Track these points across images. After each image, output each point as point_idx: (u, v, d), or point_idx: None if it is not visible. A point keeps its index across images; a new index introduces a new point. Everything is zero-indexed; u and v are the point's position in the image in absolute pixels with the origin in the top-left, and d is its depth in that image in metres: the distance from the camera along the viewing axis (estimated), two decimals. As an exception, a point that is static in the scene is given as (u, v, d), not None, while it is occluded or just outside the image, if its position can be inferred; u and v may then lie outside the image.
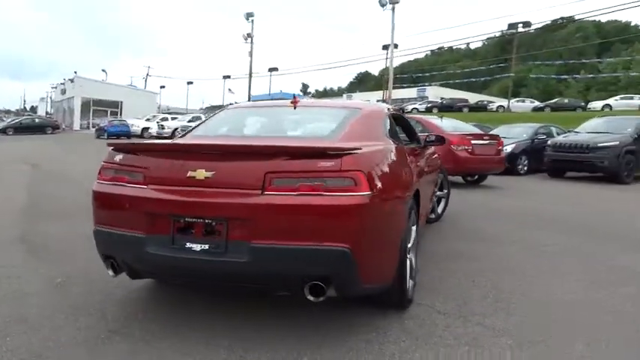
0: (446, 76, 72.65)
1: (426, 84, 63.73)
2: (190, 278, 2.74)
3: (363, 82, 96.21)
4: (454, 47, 75.91)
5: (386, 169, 2.77)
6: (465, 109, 37.15)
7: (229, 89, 64.17)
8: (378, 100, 43.55)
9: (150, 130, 32.22)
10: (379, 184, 2.53)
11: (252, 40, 44.44)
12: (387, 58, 46.43)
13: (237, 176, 2.50)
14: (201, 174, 2.49)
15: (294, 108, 3.59)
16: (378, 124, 3.44)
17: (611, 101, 33.84)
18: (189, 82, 70.36)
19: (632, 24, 67.08)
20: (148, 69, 78.01)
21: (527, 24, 39.77)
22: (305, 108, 3.81)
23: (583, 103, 35.98)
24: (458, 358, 2.55)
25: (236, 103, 5.34)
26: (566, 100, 37.70)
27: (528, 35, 54.75)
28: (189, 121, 30.86)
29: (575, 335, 2.83)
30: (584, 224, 6.33)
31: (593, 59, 58.92)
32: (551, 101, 38.21)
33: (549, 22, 52.98)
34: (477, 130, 11.11)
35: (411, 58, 76.68)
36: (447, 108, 36.00)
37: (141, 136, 32.29)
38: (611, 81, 53.41)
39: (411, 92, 56.41)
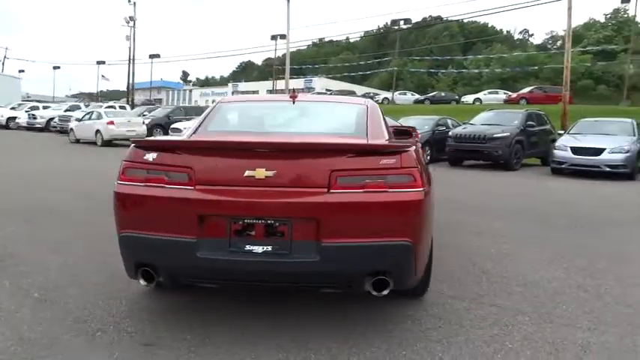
0: (328, 69, 74.80)
1: (312, 75, 65.07)
2: (249, 281, 2.65)
3: (246, 72, 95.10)
4: (334, 40, 78.51)
5: (422, 164, 2.91)
6: (355, 101, 38.47)
7: (102, 76, 59.37)
8: (276, 91, 43.53)
9: (18, 120, 28.66)
10: (426, 180, 2.66)
11: (134, 23, 41.62)
12: (275, 50, 46.57)
13: (300, 175, 2.47)
14: (261, 173, 2.41)
15: (293, 103, 3.54)
16: (382, 120, 3.55)
17: (480, 95, 37.66)
18: (56, 67, 63.85)
19: (490, 25, 74.77)
20: (5, 50, 69.12)
21: (407, 21, 42.50)
22: (313, 103, 3.78)
23: (457, 97, 39.51)
24: (502, 336, 2.81)
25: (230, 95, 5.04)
26: (442, 94, 41.13)
27: (403, 32, 58.51)
28: (66, 111, 28.03)
29: (574, 308, 3.24)
30: (507, 208, 7.12)
31: (460, 56, 64.86)
32: (430, 94, 41.43)
33: (420, 20, 57.32)
34: (395, 123, 11.69)
35: (294, 49, 77.70)
36: (338, 100, 36.91)
37: (6, 127, 28.60)
38: (475, 76, 59.21)
39: (298, 83, 57.17)
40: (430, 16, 65.16)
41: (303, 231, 2.41)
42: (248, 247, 2.42)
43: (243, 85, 66.20)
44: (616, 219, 6.48)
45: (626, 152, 10.85)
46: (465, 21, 69.12)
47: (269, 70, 63.24)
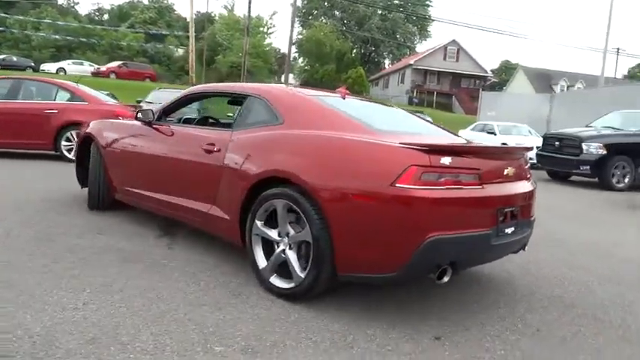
0: None
1: None
2: (494, 259, 3.11)
3: None
4: None
5: None
6: None
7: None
8: None
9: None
10: None
11: None
12: None
13: (520, 171, 3.08)
14: (511, 171, 2.93)
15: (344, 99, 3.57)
16: None
17: (64, 65, 34.58)
18: None
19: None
20: None
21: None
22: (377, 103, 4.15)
23: (32, 64, 34.82)
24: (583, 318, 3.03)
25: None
26: (14, 58, 35.12)
27: None
28: None
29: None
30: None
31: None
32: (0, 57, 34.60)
33: None
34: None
35: None
36: None
37: None
38: (22, 39, 52.88)
39: None
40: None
41: (523, 212, 3.01)
42: (506, 230, 2.82)
43: None
44: None
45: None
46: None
47: None
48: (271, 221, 2.96)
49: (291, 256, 2.81)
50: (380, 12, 52.20)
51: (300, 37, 50.10)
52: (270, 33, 50.57)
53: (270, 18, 53.74)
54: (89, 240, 3.74)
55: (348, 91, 3.70)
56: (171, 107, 4.09)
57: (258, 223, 2.97)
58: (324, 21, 52.01)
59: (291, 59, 59.51)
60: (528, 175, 3.24)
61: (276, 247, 2.92)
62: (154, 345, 2.23)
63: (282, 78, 52.80)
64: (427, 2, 53.16)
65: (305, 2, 55.05)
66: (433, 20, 52.94)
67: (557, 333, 2.74)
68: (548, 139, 11.17)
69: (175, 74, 51.46)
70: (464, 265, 2.78)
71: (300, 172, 2.73)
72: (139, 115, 4.01)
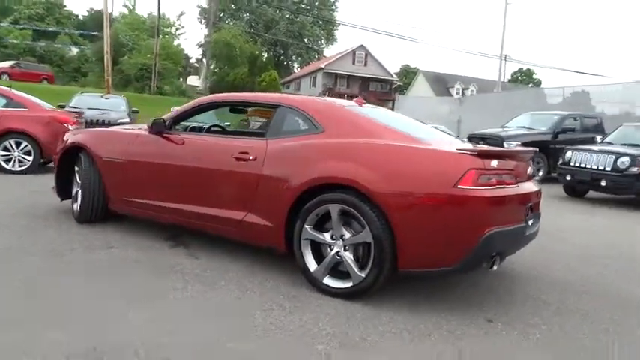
0: None
1: None
2: (522, 247, 3.37)
3: None
4: None
5: None
6: None
7: None
8: None
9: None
10: None
11: None
12: None
13: (525, 171, 3.42)
14: (529, 170, 3.46)
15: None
16: None
17: None
18: None
19: None
20: None
21: None
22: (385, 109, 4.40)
23: None
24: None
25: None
26: None
27: None
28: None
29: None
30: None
31: None
32: None
33: None
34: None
35: None
36: None
37: None
38: None
39: None
40: None
41: (536, 207, 3.43)
42: (529, 222, 3.20)
43: None
44: None
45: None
46: None
47: None
48: (320, 225, 3.10)
49: (348, 256, 2.98)
50: (287, 15, 52.68)
51: (207, 39, 49.03)
52: (180, 34, 49.04)
53: (178, 19, 52.16)
54: (104, 254, 3.59)
55: (364, 100, 3.94)
56: (183, 116, 4.02)
57: (308, 227, 3.10)
58: (231, 23, 51.36)
59: (196, 61, 58.27)
60: (533, 175, 3.72)
61: (328, 249, 3.07)
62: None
63: (188, 80, 51.99)
64: (332, 7, 54.56)
65: (212, 4, 53.99)
66: (339, 24, 54.57)
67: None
68: (472, 138, 12.21)
69: (70, 75, 47.80)
70: (507, 254, 3.15)
71: (360, 178, 2.91)
72: (155, 124, 3.91)
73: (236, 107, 4.49)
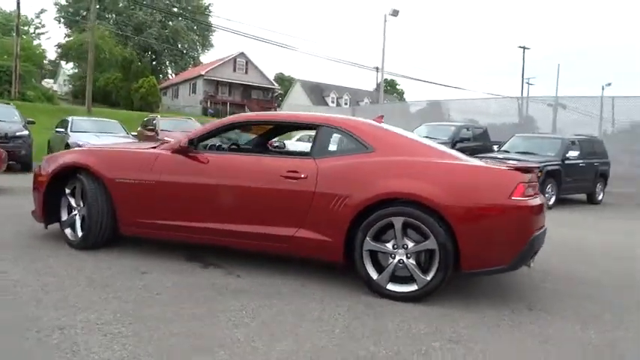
0: None
1: None
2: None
3: None
4: None
5: None
6: None
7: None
8: None
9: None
10: None
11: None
12: None
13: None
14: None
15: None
16: None
17: None
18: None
19: None
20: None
21: None
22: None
23: None
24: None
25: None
26: None
27: None
28: None
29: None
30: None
31: None
32: None
33: None
34: None
35: None
36: None
37: None
38: None
39: None
40: None
41: None
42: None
43: None
44: None
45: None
46: None
47: None
48: (378, 236, 3.40)
49: (412, 263, 3.32)
50: (159, 19, 50.46)
51: (70, 39, 45.01)
52: (40, 34, 44.19)
53: (37, 16, 46.97)
54: (140, 281, 3.45)
55: (382, 119, 4.30)
56: (207, 135, 3.98)
57: (369, 239, 3.37)
58: (96, 23, 47.61)
59: (49, 63, 52.74)
60: None
61: (389, 258, 3.37)
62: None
63: (43, 83, 46.64)
64: (207, 12, 53.44)
65: (71, 1, 49.63)
66: (215, 30, 53.80)
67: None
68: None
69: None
70: (537, 253, 3.69)
71: (425, 193, 3.27)
72: (180, 145, 3.83)
73: (276, 127, 4.55)
